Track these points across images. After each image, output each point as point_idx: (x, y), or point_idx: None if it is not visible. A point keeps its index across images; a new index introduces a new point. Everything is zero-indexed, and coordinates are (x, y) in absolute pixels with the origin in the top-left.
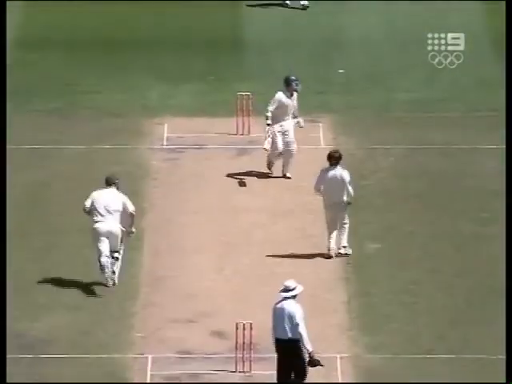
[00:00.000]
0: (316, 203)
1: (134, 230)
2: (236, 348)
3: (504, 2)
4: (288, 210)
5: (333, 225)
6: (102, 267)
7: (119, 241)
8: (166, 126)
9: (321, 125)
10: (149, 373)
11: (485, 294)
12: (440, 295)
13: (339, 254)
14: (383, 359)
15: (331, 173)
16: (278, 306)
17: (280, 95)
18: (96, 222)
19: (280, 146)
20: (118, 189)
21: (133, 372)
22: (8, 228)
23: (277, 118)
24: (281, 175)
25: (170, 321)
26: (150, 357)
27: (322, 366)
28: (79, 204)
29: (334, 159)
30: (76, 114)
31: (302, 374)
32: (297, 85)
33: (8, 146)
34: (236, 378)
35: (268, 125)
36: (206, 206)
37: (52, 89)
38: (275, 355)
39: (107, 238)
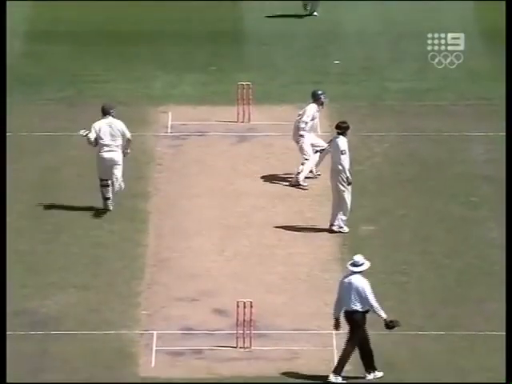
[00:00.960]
0: (314, 187)
1: (129, 151)
2: (237, 325)
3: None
4: (286, 194)
5: (333, 196)
6: (104, 192)
7: (121, 168)
8: (170, 114)
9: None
10: (154, 348)
11: (474, 275)
12: (431, 275)
13: (332, 232)
14: (376, 335)
15: (333, 141)
16: (346, 279)
17: (313, 107)
18: (100, 150)
19: (311, 152)
20: (114, 117)
21: (139, 347)
22: (20, 211)
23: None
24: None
25: (174, 299)
26: (155, 333)
27: (399, 325)
28: (88, 188)
29: (339, 129)
30: (84, 103)
31: (354, 341)
32: (325, 98)
33: (20, 134)
34: (237, 353)
35: (301, 136)
36: (208, 190)
37: (61, 79)
38: (274, 332)
39: (110, 165)
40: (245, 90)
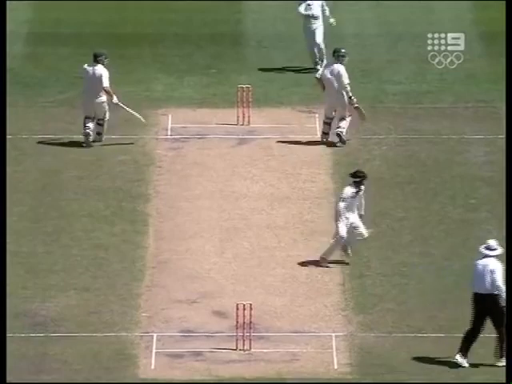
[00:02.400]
0: (313, 190)
1: (114, 100)
2: (236, 327)
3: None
4: (285, 197)
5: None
6: (85, 122)
7: (104, 110)
8: (170, 116)
9: (317, 116)
10: (154, 350)
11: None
12: (430, 277)
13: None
14: (376, 337)
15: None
16: (480, 262)
17: (343, 67)
18: (83, 93)
19: None
20: (103, 64)
21: (139, 349)
22: (21, 213)
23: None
24: (275, 164)
25: (173, 301)
26: (155, 335)
27: None
28: (89, 191)
29: (355, 177)
30: None
31: (500, 323)
32: (343, 56)
33: (20, 136)
34: (236, 355)
35: (350, 98)
36: (208, 193)
37: (62, 81)
38: (274, 334)
39: (94, 108)
40: (244, 93)
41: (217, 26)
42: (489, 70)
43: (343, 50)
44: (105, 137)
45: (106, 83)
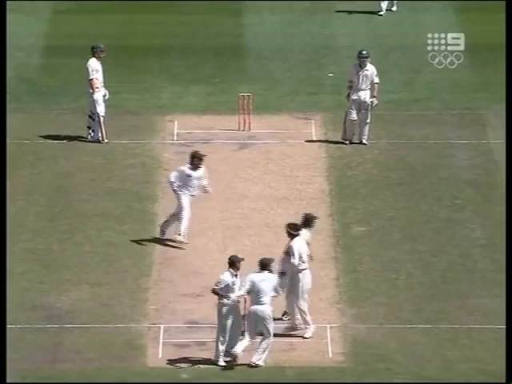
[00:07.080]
0: (309, 191)
1: (95, 96)
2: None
3: (488, 2)
4: (284, 197)
5: None
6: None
7: (92, 103)
8: (176, 123)
9: (313, 122)
10: (161, 340)
11: (458, 272)
12: (418, 272)
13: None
14: (368, 328)
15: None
16: None
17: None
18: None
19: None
20: (98, 56)
21: (147, 340)
22: (37, 213)
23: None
24: (276, 164)
25: (179, 295)
26: (162, 326)
27: None
28: (100, 192)
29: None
30: None
31: None
32: (363, 56)
33: (37, 141)
34: (238, 344)
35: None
36: (212, 194)
37: (75, 90)
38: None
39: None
40: (245, 101)
41: (220, 39)
42: (473, 80)
43: (361, 50)
44: (101, 137)
45: (89, 75)
